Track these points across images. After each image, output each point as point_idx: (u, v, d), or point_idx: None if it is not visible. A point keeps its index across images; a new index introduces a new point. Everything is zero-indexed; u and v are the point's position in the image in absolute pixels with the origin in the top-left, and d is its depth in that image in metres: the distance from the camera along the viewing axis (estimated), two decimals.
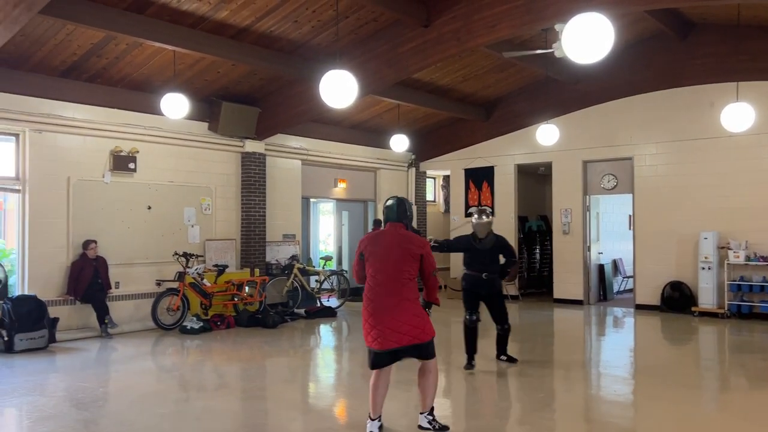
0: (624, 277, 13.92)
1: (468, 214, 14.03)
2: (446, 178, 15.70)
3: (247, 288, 10.31)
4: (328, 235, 14.81)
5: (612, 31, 4.72)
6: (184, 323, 9.36)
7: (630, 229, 11.94)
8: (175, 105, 8.45)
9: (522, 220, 14.24)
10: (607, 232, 13.42)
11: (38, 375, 6.77)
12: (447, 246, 7.22)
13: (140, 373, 7.11)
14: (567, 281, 12.54)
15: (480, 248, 6.75)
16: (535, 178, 14.79)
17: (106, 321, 8.76)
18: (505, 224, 13.35)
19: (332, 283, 12.59)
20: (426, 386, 4.70)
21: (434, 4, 8.58)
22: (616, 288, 13.83)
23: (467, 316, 6.79)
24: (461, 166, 14.20)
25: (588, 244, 12.46)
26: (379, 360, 4.50)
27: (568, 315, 11.57)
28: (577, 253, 12.38)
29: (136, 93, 9.50)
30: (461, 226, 13.80)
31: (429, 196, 15.88)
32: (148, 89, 9.46)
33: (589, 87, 11.73)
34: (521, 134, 12.98)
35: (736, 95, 8.34)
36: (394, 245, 4.51)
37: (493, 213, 6.14)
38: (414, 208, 4.83)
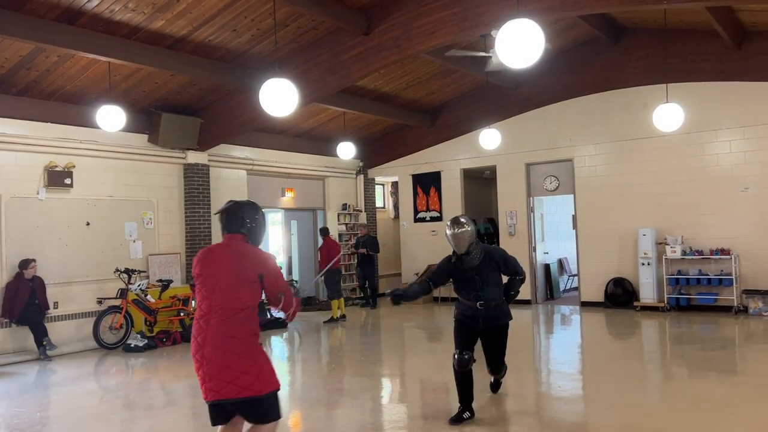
0: (570, 276, 14.27)
1: (418, 221, 14.13)
2: (395, 184, 15.79)
3: (193, 302, 10.08)
4: (279, 247, 14.66)
5: (542, 37, 4.84)
6: (128, 341, 9.08)
7: (573, 228, 12.25)
8: (112, 117, 8.23)
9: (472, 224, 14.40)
10: (551, 232, 13.74)
11: None
12: (433, 282, 5.27)
13: (82, 395, 6.85)
14: None
15: (464, 268, 5.07)
16: (481, 182, 15.04)
17: (44, 343, 8.42)
18: None
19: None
20: None
21: (374, 12, 8.64)
22: (562, 286, 14.16)
23: (456, 355, 5.09)
24: (409, 171, 14.30)
25: (533, 245, 12.73)
26: (214, 414, 3.52)
27: (517, 315, 11.72)
28: (523, 254, 12.59)
29: (70, 106, 9.21)
30: (435, 233, 13.90)
31: (378, 203, 15.93)
32: (82, 102, 9.18)
33: (528, 92, 12.03)
34: (466, 139, 13.18)
35: (666, 96, 8.68)
36: (224, 265, 3.43)
37: (471, 221, 5.17)
38: (259, 216, 3.65)
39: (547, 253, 13.32)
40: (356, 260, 13.15)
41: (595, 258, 11.76)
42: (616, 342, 9.32)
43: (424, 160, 14.00)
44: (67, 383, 7.41)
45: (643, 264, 10.95)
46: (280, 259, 14.34)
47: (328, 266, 11.06)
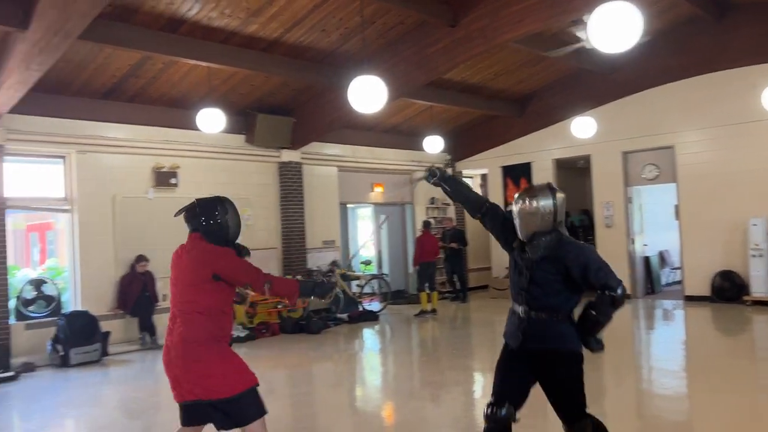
0: (671, 269, 13.57)
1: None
2: (484, 177, 15.60)
3: None
4: (367, 240, 14.89)
5: (640, 20, 4.65)
6: (232, 333, 9.53)
7: (676, 219, 11.63)
8: (212, 120, 8.67)
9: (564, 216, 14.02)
10: (651, 223, 13.11)
11: (93, 387, 7.03)
12: (487, 211, 3.68)
13: None
14: None
15: (520, 257, 3.38)
16: (575, 172, 14.56)
17: (146, 337, 8.99)
18: None
19: (373, 287, 12.64)
20: None
21: (460, 3, 8.56)
22: (664, 280, 13.49)
23: (487, 405, 3.34)
24: (498, 163, 14.09)
25: (632, 237, 12.20)
26: (185, 415, 3.43)
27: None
28: (621, 247, 12.12)
29: (173, 110, 9.77)
30: None
31: None
32: (185, 106, 9.72)
33: (625, 76, 11.50)
34: (558, 128, 12.81)
35: None
36: (181, 266, 3.45)
37: (552, 194, 3.31)
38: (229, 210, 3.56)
39: (647, 245, 12.72)
40: (444, 254, 13.16)
41: (700, 250, 11.12)
42: (724, 339, 8.80)
43: (514, 151, 13.74)
44: None
45: (753, 256, 10.24)
46: (370, 253, 14.56)
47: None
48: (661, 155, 11.69)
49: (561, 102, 12.39)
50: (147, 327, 9.05)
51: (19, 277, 9.49)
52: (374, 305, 12.30)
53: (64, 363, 7.93)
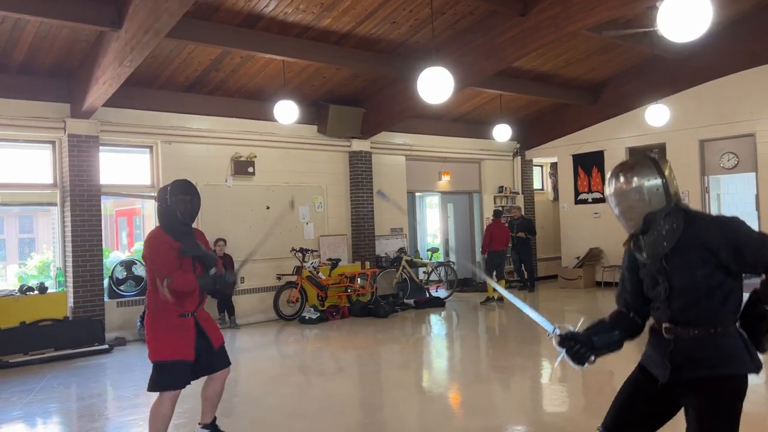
0: None
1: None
2: (554, 166, 15.44)
3: (359, 280, 10.82)
4: (435, 229, 15.07)
5: (710, 9, 4.61)
6: (303, 314, 10.01)
7: (756, 209, 11.19)
8: (287, 111, 9.06)
9: None
10: (731, 213, 12.63)
11: None
12: (626, 306, 2.78)
13: (266, 359, 7.75)
14: None
15: (646, 264, 2.59)
16: None
17: (227, 317, 9.53)
18: None
19: (440, 275, 12.84)
20: (149, 420, 4.03)
21: None
22: None
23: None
24: (569, 152, 13.92)
25: None
26: None
27: None
28: None
29: (251, 102, 10.25)
30: (598, 215, 13.60)
31: (537, 185, 15.69)
32: (261, 98, 10.17)
33: (702, 62, 11.12)
34: (631, 116, 12.53)
35: None
36: None
37: (655, 167, 2.50)
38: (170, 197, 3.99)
39: None
40: (512, 243, 13.18)
41: None
42: None
43: (585, 140, 13.54)
44: (253, 349, 8.39)
45: None
46: (437, 241, 14.71)
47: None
48: (741, 143, 11.27)
49: (634, 89, 12.11)
50: (226, 307, 9.60)
51: (111, 258, 10.25)
52: (441, 292, 12.49)
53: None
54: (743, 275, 2.44)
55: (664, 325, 2.51)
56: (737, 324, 2.44)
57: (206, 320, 4.13)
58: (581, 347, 2.60)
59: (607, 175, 2.64)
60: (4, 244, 15.00)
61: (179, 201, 3.97)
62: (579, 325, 2.68)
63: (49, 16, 6.85)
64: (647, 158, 2.57)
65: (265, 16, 8.02)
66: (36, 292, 8.10)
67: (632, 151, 12.99)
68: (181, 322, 3.93)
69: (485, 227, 12.80)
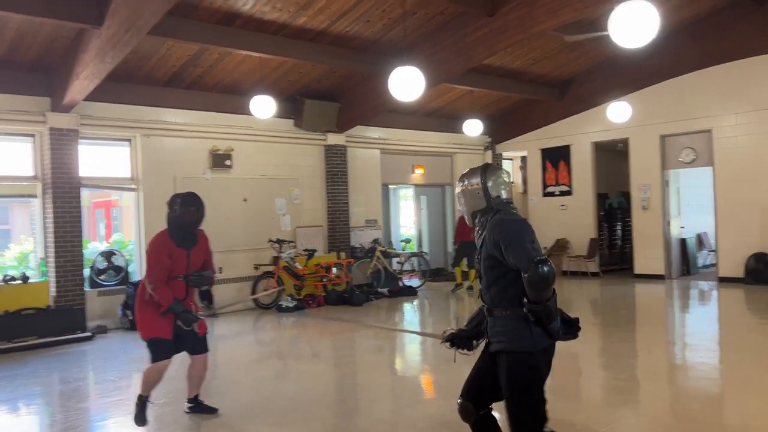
0: (709, 251, 13.70)
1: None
2: (523, 159, 15.91)
3: (334, 270, 11.17)
4: (411, 222, 15.46)
5: (657, 17, 5.02)
6: (280, 303, 10.33)
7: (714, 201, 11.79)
8: (264, 105, 9.32)
9: (602, 198, 14.30)
10: (690, 206, 13.26)
11: None
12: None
13: (244, 345, 8.08)
14: (648, 256, 12.56)
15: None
16: (614, 155, 14.73)
17: (207, 306, 9.80)
18: (583, 202, 13.54)
19: (413, 265, 13.24)
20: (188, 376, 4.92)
21: None
22: (701, 262, 13.65)
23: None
24: (537, 146, 14.40)
25: (668, 219, 12.41)
26: None
27: (648, 289, 11.63)
28: (656, 228, 12.37)
29: (228, 96, 10.48)
30: (564, 207, 14.09)
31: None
32: (238, 92, 10.41)
33: (663, 61, 11.63)
34: (596, 112, 13.02)
35: None
36: None
37: (480, 173, 3.17)
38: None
39: (683, 227, 12.91)
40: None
41: (734, 232, 11.29)
42: (758, 319, 9.05)
43: (553, 135, 14.03)
44: (232, 336, 8.70)
45: None
46: (411, 233, 15.12)
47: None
48: (699, 139, 11.84)
49: (600, 86, 12.60)
50: (205, 296, 9.85)
51: (89, 249, 10.43)
52: (413, 281, 12.89)
53: (132, 326, 8.78)
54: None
55: (484, 306, 3.11)
56: (525, 309, 2.89)
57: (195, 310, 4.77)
58: (461, 340, 3.28)
59: None
60: None
61: (186, 212, 4.57)
62: (451, 327, 3.43)
63: (31, 14, 7.02)
64: (479, 167, 3.19)
65: (243, 15, 8.27)
66: (19, 281, 8.29)
67: (598, 146, 13.53)
68: (159, 314, 4.56)
69: (457, 219, 13.21)
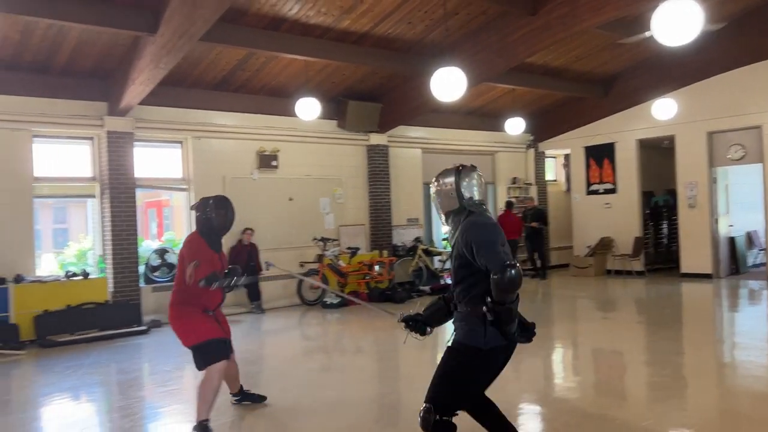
0: (759, 250, 13.37)
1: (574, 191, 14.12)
2: (567, 157, 15.81)
3: (377, 268, 11.36)
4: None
5: (701, 14, 5.02)
6: (325, 299, 10.58)
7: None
8: (309, 107, 9.58)
9: (648, 196, 14.10)
10: (739, 203, 12.96)
11: None
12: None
13: (291, 339, 8.34)
14: (695, 255, 12.34)
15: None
16: (660, 152, 14.49)
17: (256, 304, 10.13)
18: (627, 200, 13.40)
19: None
20: (197, 395, 4.48)
21: None
22: (751, 261, 13.33)
23: None
24: (581, 144, 14.29)
25: (716, 217, 12.18)
26: None
27: (695, 288, 11.44)
28: (704, 226, 12.15)
29: (274, 99, 10.79)
30: (609, 205, 14.01)
31: (550, 176, 16.09)
32: (284, 95, 10.70)
33: (709, 57, 11.42)
34: (641, 109, 12.85)
35: None
36: None
37: (458, 171, 3.32)
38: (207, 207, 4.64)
39: (732, 225, 12.63)
40: (525, 233, 13.60)
41: None
42: None
43: (596, 132, 13.90)
44: (279, 331, 8.98)
45: None
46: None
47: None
48: (748, 135, 11.58)
49: (645, 83, 12.45)
50: (254, 294, 10.18)
51: (144, 247, 10.88)
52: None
53: None
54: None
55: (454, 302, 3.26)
56: (485, 308, 3.03)
57: (222, 317, 4.77)
58: (417, 324, 3.39)
59: None
60: (40, 234, 15.75)
61: (218, 215, 4.62)
62: (416, 308, 3.49)
63: (91, 23, 7.43)
64: (454, 168, 3.30)
65: (289, 19, 8.53)
66: (80, 277, 8.74)
67: (643, 143, 13.36)
68: (206, 316, 4.53)
69: (497, 218, 13.26)
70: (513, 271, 2.90)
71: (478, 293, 3.08)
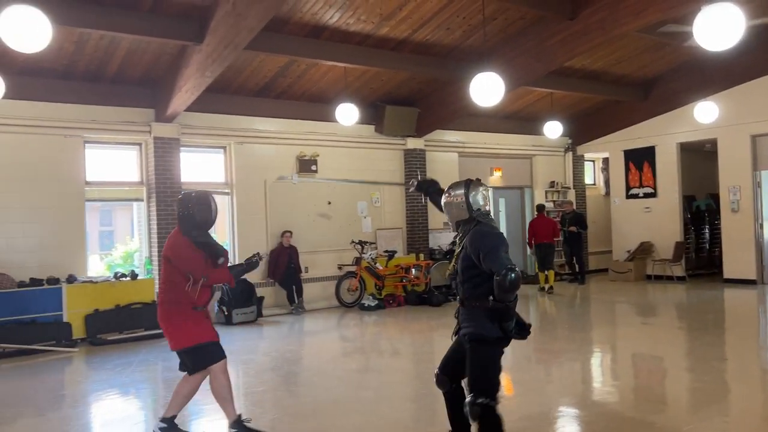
0: None
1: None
2: (606, 161, 15.66)
3: (413, 271, 11.47)
4: None
5: (743, 19, 5.00)
6: (363, 301, 10.75)
7: None
8: (347, 113, 9.75)
9: (689, 200, 13.89)
10: None
11: (253, 341, 8.43)
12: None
13: (330, 340, 8.51)
14: (738, 260, 12.11)
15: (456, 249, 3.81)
16: (702, 156, 14.26)
17: (298, 301, 10.36)
18: (668, 204, 13.22)
19: None
20: (216, 399, 4.37)
21: None
22: None
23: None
24: (620, 147, 14.15)
25: (760, 222, 11.93)
26: (179, 361, 4.42)
27: (738, 294, 11.23)
28: (747, 231, 11.91)
29: (314, 105, 11.01)
30: (648, 209, 13.89)
31: (588, 180, 15.96)
32: (323, 100, 10.91)
33: (754, 59, 11.21)
34: (683, 112, 12.67)
35: None
36: (164, 247, 4.45)
37: (467, 187, 3.73)
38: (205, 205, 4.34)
39: None
40: (563, 237, 13.55)
41: None
42: None
43: (636, 135, 13.76)
44: (318, 332, 9.16)
45: None
46: None
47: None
48: None
49: (685, 86, 12.28)
50: (298, 290, 10.40)
51: None
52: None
53: (227, 321, 9.46)
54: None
55: (459, 298, 3.71)
56: (490, 303, 3.47)
57: (208, 315, 4.54)
58: (426, 183, 4.44)
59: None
60: (88, 236, 16.32)
61: (201, 209, 4.32)
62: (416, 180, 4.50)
63: (141, 33, 7.75)
64: (465, 181, 3.76)
65: (329, 27, 8.71)
66: (128, 278, 9.07)
67: (684, 147, 13.17)
68: (197, 313, 4.31)
69: (529, 222, 13.25)
70: (513, 275, 3.32)
71: (482, 291, 3.52)
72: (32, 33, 5.10)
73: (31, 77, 8.52)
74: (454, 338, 3.80)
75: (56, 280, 8.52)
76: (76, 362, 7.57)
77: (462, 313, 3.66)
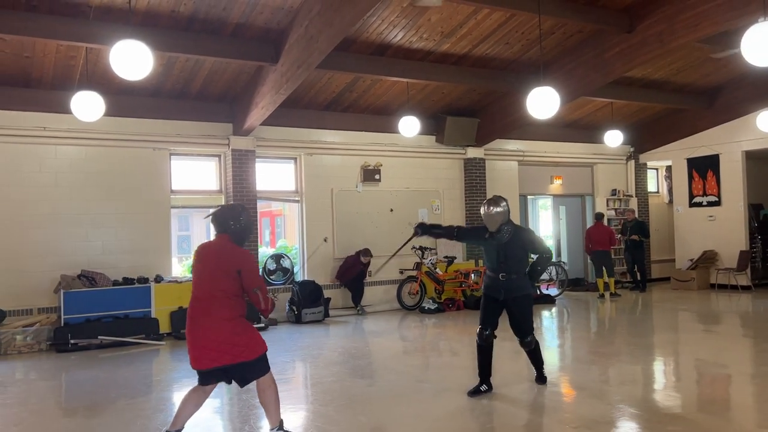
0: None
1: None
2: (669, 169, 15.57)
3: (472, 276, 11.86)
4: (548, 231, 15.73)
5: None
6: (423, 305, 11.22)
7: None
8: (410, 125, 10.29)
9: (756, 208, 13.68)
10: None
11: (322, 338, 9.05)
12: (458, 234, 6.07)
13: (392, 340, 9.02)
14: None
15: (492, 242, 5.65)
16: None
17: (359, 306, 10.94)
18: (732, 213, 13.09)
19: (551, 274, 13.53)
20: (267, 402, 4.36)
21: (637, 10, 9.15)
22: None
23: (478, 330, 5.78)
24: (683, 155, 14.10)
25: None
26: (202, 379, 4.29)
27: None
28: None
29: (378, 117, 11.61)
30: (712, 218, 13.78)
31: (651, 188, 15.89)
32: (387, 113, 11.49)
33: None
34: (747, 120, 12.58)
35: None
36: (212, 260, 4.18)
37: (504, 202, 5.68)
38: (244, 216, 4.32)
39: None
40: (625, 245, 13.59)
41: None
42: None
43: (700, 144, 13.68)
44: (381, 332, 9.69)
45: None
46: (550, 243, 15.38)
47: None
48: None
49: (750, 94, 12.21)
50: (359, 296, 10.99)
51: (260, 253, 11.98)
52: (552, 291, 13.20)
53: (297, 320, 10.14)
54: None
55: (500, 274, 5.62)
56: (526, 272, 5.74)
57: None
58: (424, 228, 6.05)
59: (484, 202, 5.75)
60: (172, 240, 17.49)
61: (251, 222, 4.38)
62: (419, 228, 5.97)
63: (222, 56, 8.53)
64: (497, 197, 5.74)
65: (393, 45, 9.28)
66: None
67: (749, 155, 13.02)
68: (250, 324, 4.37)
69: (587, 229, 13.40)
70: (551, 253, 5.89)
71: (521, 266, 5.69)
72: (138, 63, 5.85)
73: (126, 96, 9.47)
74: (489, 303, 5.73)
75: (145, 280, 9.41)
76: (163, 354, 8.37)
77: (509, 281, 5.58)
